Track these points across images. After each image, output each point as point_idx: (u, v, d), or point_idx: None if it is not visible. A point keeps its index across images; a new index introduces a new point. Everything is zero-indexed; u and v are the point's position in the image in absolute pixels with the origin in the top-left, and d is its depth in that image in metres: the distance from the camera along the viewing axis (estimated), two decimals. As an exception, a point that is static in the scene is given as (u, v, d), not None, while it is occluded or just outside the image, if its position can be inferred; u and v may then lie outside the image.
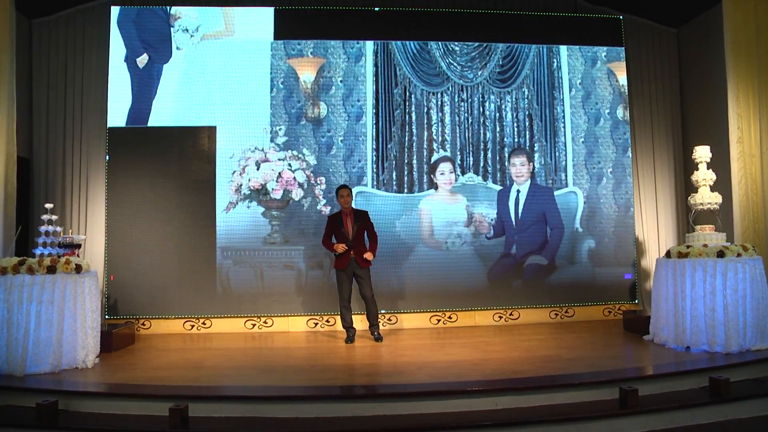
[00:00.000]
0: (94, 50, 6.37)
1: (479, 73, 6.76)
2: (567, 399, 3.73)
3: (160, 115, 6.43)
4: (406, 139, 6.66)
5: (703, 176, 5.26)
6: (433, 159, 6.64)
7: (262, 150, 6.48)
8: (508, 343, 5.33)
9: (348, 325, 5.57)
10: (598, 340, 5.45)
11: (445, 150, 6.68)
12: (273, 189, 6.40)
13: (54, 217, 4.95)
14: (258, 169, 6.45)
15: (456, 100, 6.73)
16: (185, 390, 3.81)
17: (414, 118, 6.68)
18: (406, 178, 6.63)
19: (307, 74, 6.60)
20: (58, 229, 4.95)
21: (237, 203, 6.39)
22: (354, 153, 6.59)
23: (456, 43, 6.76)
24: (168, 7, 6.53)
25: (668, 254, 5.11)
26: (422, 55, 6.73)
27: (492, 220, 6.61)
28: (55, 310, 4.37)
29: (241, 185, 6.39)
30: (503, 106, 6.77)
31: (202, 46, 6.55)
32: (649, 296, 5.99)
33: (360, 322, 5.75)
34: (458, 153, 6.68)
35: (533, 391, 3.73)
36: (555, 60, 6.84)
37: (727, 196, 5.49)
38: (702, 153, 5.32)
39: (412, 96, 6.69)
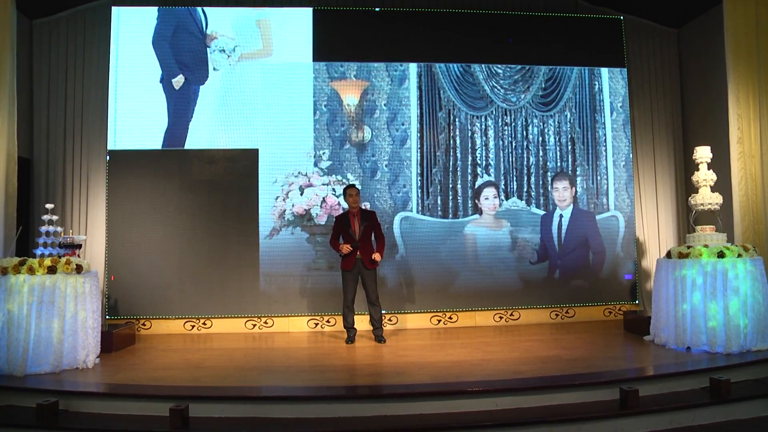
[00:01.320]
0: (95, 50, 6.37)
1: (522, 96, 6.76)
2: (567, 399, 3.72)
3: (198, 138, 6.38)
4: (451, 163, 6.64)
5: (704, 176, 5.25)
6: (478, 184, 6.63)
7: (306, 175, 6.42)
8: (509, 344, 5.33)
9: (349, 326, 5.56)
10: (599, 340, 5.45)
11: (489, 174, 6.67)
12: (317, 215, 6.36)
13: (54, 218, 4.95)
14: (302, 195, 6.38)
15: (500, 123, 6.72)
16: (186, 390, 3.81)
17: (458, 142, 6.66)
18: (450, 204, 6.60)
19: (350, 97, 6.53)
20: (59, 229, 4.95)
21: (280, 229, 6.35)
22: (399, 178, 6.55)
23: (499, 66, 6.74)
24: (204, 27, 6.45)
25: (669, 255, 5.11)
26: (466, 78, 6.70)
27: (536, 245, 6.61)
28: (55, 310, 4.38)
29: (284, 211, 6.33)
30: (546, 130, 6.77)
31: (239, 66, 6.47)
32: (650, 297, 6.00)
33: (360, 323, 5.74)
34: (502, 177, 6.68)
35: (534, 391, 3.73)
36: (597, 82, 6.84)
37: (728, 197, 5.48)
38: (702, 153, 5.31)
39: (456, 120, 6.66)
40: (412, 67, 6.66)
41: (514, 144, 6.73)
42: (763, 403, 3.80)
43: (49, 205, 5.04)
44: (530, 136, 6.75)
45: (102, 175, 6.29)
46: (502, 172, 6.69)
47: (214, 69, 6.48)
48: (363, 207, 5.76)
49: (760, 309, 4.70)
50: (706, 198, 5.19)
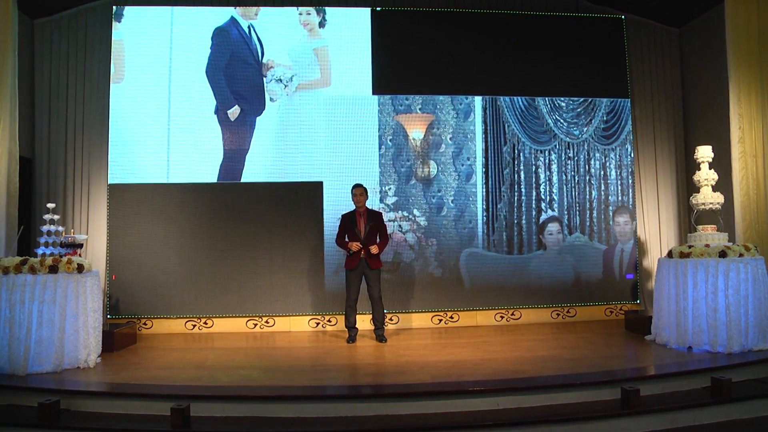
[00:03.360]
0: (96, 50, 6.36)
1: (584, 129, 6.75)
2: (568, 399, 3.72)
3: (254, 171, 6.31)
4: (515, 198, 6.62)
5: (705, 176, 5.25)
6: (542, 219, 6.63)
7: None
8: (510, 343, 5.32)
9: (351, 325, 5.56)
10: (600, 340, 5.44)
11: (552, 210, 6.66)
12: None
13: (56, 217, 4.95)
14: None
15: (563, 158, 6.71)
16: (187, 390, 3.81)
17: (523, 177, 6.64)
18: (515, 239, 6.58)
19: (416, 131, 6.45)
20: (60, 228, 4.95)
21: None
22: (464, 213, 6.53)
23: (562, 99, 6.73)
24: (260, 56, 6.36)
25: (670, 254, 5.10)
26: (530, 111, 6.68)
27: (598, 280, 6.62)
28: (57, 309, 4.38)
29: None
30: (608, 164, 6.78)
31: (297, 97, 6.37)
32: (651, 296, 5.99)
33: (362, 322, 5.74)
34: (565, 212, 6.66)
35: (535, 391, 3.73)
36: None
37: (729, 196, 5.47)
38: (704, 153, 5.31)
39: (521, 154, 6.64)
40: (477, 101, 6.61)
41: (576, 178, 6.74)
42: (764, 402, 3.79)
43: (50, 205, 5.04)
44: (593, 170, 6.75)
45: (103, 174, 6.29)
46: (565, 206, 6.68)
47: (271, 99, 6.35)
48: (370, 207, 5.72)
49: (762, 308, 4.69)
50: (708, 197, 5.19)
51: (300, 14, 6.51)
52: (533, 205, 6.64)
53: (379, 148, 6.44)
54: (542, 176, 6.68)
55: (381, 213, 5.74)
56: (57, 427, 3.43)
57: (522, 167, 6.65)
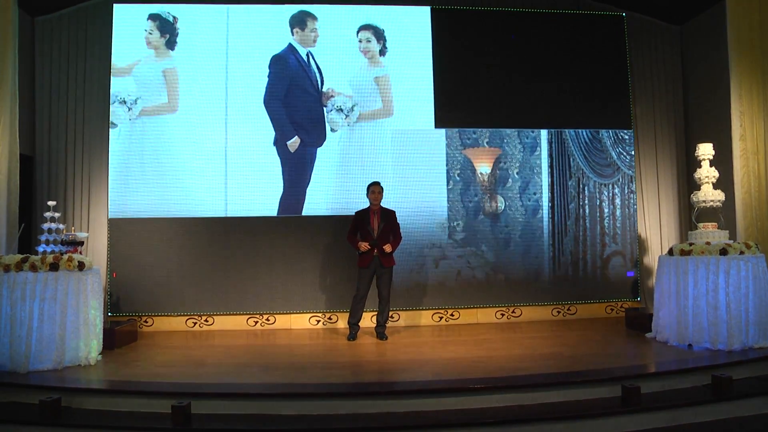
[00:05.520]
0: (96, 47, 6.35)
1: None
2: (569, 397, 3.71)
3: (314, 203, 6.22)
4: (581, 233, 6.61)
5: (706, 173, 5.24)
6: (606, 253, 6.62)
7: (440, 247, 6.34)
8: (510, 341, 5.32)
9: (354, 322, 5.55)
10: (600, 337, 5.44)
11: (616, 244, 6.65)
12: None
13: (57, 215, 4.95)
14: (437, 268, 6.32)
15: (626, 191, 6.70)
16: (188, 387, 3.80)
17: (587, 211, 6.63)
18: (581, 274, 6.59)
19: (483, 166, 6.39)
20: (61, 226, 4.96)
21: None
22: (531, 249, 6.51)
23: (626, 131, 6.71)
24: (320, 84, 6.24)
25: (671, 252, 5.09)
26: (594, 144, 6.68)
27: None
28: (57, 307, 4.38)
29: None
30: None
31: (358, 127, 6.26)
32: (652, 294, 5.98)
33: (363, 319, 5.72)
34: (628, 246, 6.65)
35: (535, 388, 3.72)
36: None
37: (730, 194, 5.46)
38: (705, 150, 5.30)
39: (585, 188, 6.63)
40: (543, 134, 6.58)
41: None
42: (764, 400, 3.78)
43: (51, 203, 5.04)
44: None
45: (104, 172, 6.28)
46: (629, 240, 6.67)
47: (332, 130, 6.23)
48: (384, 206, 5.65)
49: (762, 306, 4.68)
50: (709, 195, 5.18)
51: (360, 41, 6.41)
52: (597, 240, 6.64)
53: (447, 183, 6.40)
54: (606, 210, 6.68)
55: (394, 212, 5.67)
56: (58, 425, 3.43)
57: (587, 201, 6.64)
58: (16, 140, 5.31)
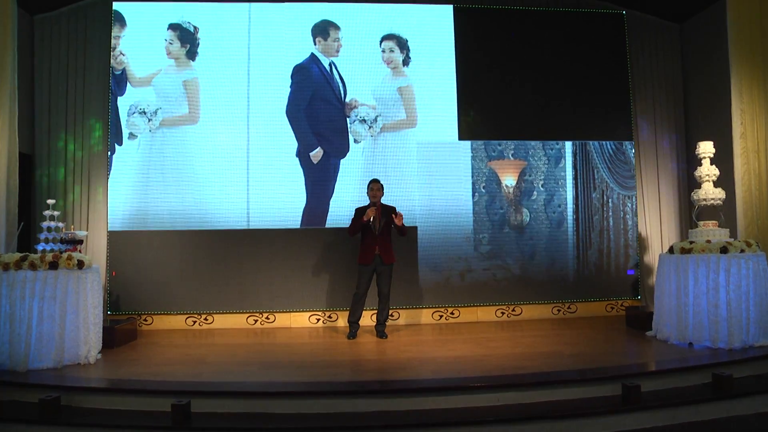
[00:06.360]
0: (96, 46, 6.33)
1: None
2: (569, 395, 3.71)
3: (338, 214, 6.19)
4: (605, 245, 6.61)
5: (707, 172, 5.23)
6: (630, 265, 6.62)
7: (466, 260, 6.34)
8: (510, 339, 5.32)
9: (354, 320, 5.55)
10: (601, 336, 5.43)
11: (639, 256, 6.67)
12: None
13: (56, 213, 4.95)
14: (463, 281, 6.30)
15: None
16: (187, 386, 3.80)
17: (611, 223, 6.63)
18: (605, 285, 6.58)
19: (509, 178, 6.37)
20: (60, 224, 4.95)
21: None
22: (555, 261, 6.50)
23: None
24: (343, 94, 6.19)
25: (671, 250, 5.08)
26: (618, 156, 6.67)
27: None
28: (57, 305, 4.37)
29: None
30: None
31: (382, 138, 6.21)
32: (652, 292, 5.98)
33: (363, 318, 5.71)
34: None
35: (535, 387, 3.72)
36: None
37: (731, 192, 5.45)
38: (705, 148, 5.29)
39: (609, 200, 6.62)
40: (568, 146, 6.57)
41: None
42: (765, 398, 3.78)
43: (50, 201, 5.03)
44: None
45: (103, 170, 6.27)
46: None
47: (355, 141, 6.19)
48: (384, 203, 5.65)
49: (763, 304, 4.68)
50: (709, 193, 5.17)
51: (383, 51, 6.38)
52: (621, 252, 6.63)
53: (473, 196, 6.38)
54: (629, 222, 6.67)
55: (395, 208, 5.63)
56: (58, 423, 3.43)
57: (611, 213, 6.64)
58: (15, 138, 5.30)
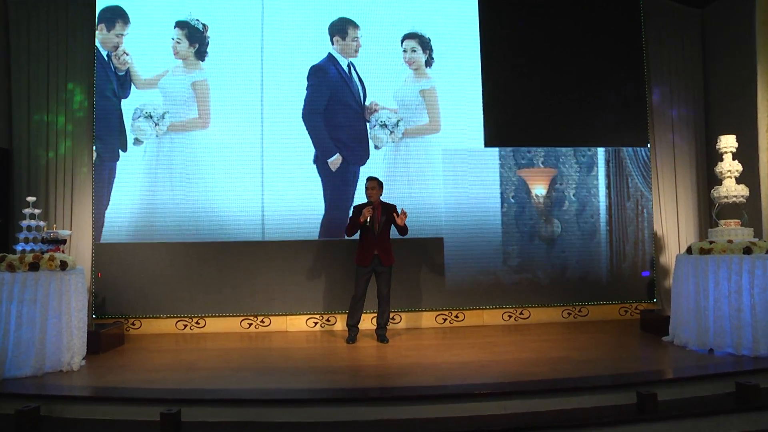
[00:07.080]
0: (77, 35, 6.27)
1: None
2: (580, 403, 3.70)
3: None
4: (640, 258, 6.59)
5: (728, 167, 5.20)
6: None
7: (495, 273, 6.32)
8: (518, 344, 5.31)
9: (353, 324, 5.55)
10: (614, 341, 5.42)
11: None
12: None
13: (37, 211, 4.93)
14: (491, 295, 6.30)
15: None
16: (177, 393, 3.79)
17: (646, 235, 6.60)
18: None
19: (539, 187, 6.34)
20: (42, 223, 4.93)
21: None
22: (588, 274, 6.48)
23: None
24: (362, 98, 6.15)
25: (689, 250, 5.06)
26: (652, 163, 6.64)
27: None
28: (38, 309, 4.35)
29: None
30: None
31: (404, 144, 6.14)
32: (668, 295, 5.96)
33: (363, 321, 5.70)
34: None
35: (544, 394, 3.71)
36: None
37: (755, 189, 5.43)
38: (727, 143, 5.25)
39: (644, 210, 6.59)
40: (600, 152, 6.54)
41: None
42: (792, 409, 3.75)
43: (30, 198, 5.02)
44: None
45: (88, 166, 6.25)
46: None
47: (376, 147, 6.13)
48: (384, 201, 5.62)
49: (788, 308, 4.64)
50: (731, 190, 5.14)
51: (404, 51, 6.32)
52: (640, 255, 6.60)
53: (501, 206, 6.34)
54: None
55: (395, 206, 5.63)
56: (38, 435, 3.41)
57: (645, 224, 6.60)
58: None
